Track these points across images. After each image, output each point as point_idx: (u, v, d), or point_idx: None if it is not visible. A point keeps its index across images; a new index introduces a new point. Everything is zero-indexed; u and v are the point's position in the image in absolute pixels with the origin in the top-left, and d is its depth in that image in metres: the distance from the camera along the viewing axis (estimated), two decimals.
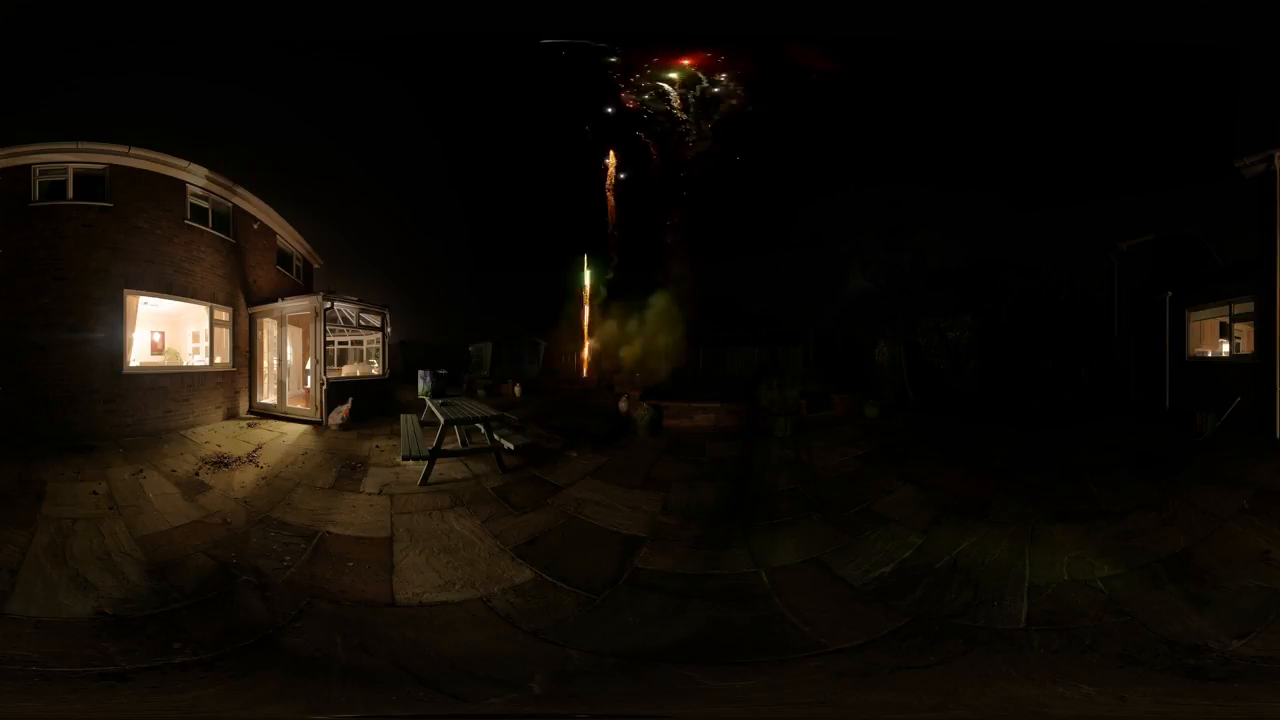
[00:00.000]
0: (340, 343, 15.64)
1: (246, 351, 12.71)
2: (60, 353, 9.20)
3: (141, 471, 7.47)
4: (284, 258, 15.04)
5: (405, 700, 3.29)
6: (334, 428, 10.85)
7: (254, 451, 8.97)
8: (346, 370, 15.17)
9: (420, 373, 16.15)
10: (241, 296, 12.56)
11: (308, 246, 16.63)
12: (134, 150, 10.08)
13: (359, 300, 13.49)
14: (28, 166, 9.42)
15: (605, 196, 24.07)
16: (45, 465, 7.32)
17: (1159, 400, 12.22)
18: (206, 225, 11.49)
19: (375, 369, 15.14)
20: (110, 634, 3.83)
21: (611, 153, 23.69)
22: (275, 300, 12.78)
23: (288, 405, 12.13)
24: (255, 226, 13.23)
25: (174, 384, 10.61)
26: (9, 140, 9.37)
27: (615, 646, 3.95)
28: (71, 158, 9.65)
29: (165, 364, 11.41)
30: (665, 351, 18.93)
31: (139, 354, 10.80)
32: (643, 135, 22.61)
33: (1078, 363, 13.05)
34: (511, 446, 7.89)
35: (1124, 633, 3.93)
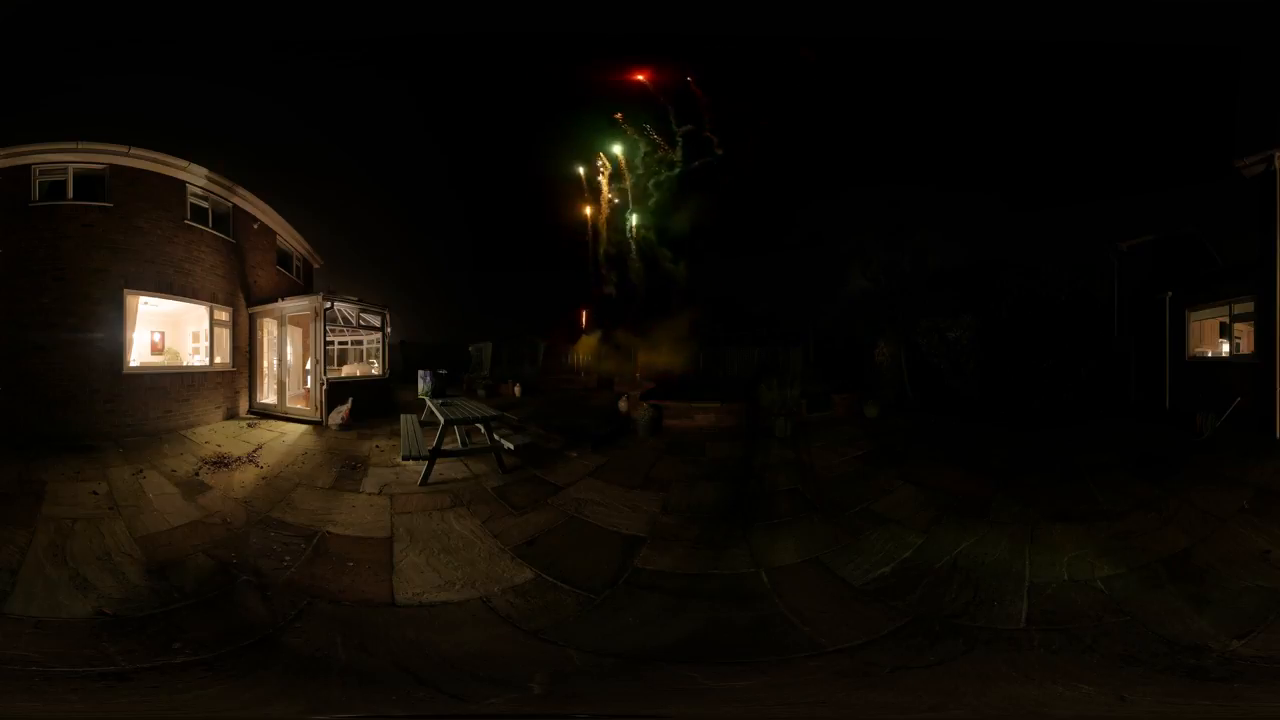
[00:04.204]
0: (340, 343, 15.63)
1: (246, 351, 12.71)
2: (60, 353, 9.21)
3: (141, 471, 7.47)
4: (284, 258, 15.04)
5: (405, 700, 3.29)
6: (334, 428, 10.85)
7: (254, 451, 8.97)
8: (346, 370, 15.16)
9: (420, 373, 16.19)
10: (241, 296, 12.56)
11: (308, 246, 16.63)
12: (134, 150, 10.08)
13: (359, 300, 13.50)
14: (28, 166, 9.42)
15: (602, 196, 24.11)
16: (45, 465, 7.32)
17: (1159, 400, 12.21)
18: (206, 225, 11.49)
19: (375, 369, 15.13)
20: (110, 634, 3.83)
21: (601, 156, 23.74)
22: (275, 300, 12.78)
23: (288, 405, 12.13)
24: (255, 226, 13.23)
25: (174, 384, 10.61)
26: (9, 140, 9.38)
27: (615, 646, 3.95)
28: (71, 158, 9.65)
29: (165, 364, 11.40)
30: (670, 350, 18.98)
31: (139, 354, 10.79)
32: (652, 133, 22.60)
33: (1078, 363, 13.03)
34: (511, 446, 7.89)
35: (1124, 633, 3.93)
